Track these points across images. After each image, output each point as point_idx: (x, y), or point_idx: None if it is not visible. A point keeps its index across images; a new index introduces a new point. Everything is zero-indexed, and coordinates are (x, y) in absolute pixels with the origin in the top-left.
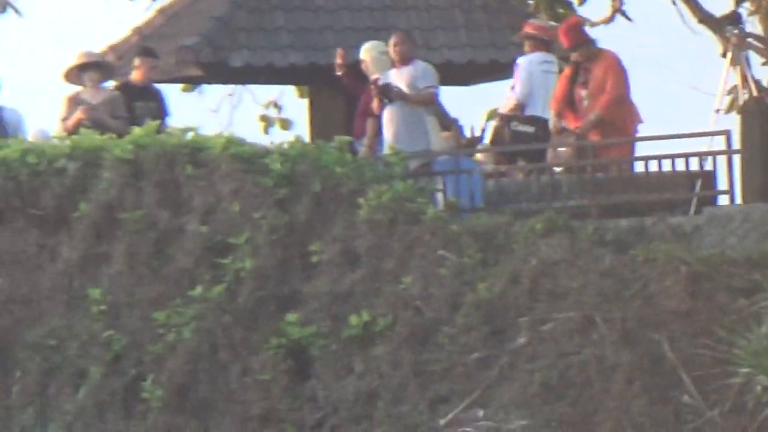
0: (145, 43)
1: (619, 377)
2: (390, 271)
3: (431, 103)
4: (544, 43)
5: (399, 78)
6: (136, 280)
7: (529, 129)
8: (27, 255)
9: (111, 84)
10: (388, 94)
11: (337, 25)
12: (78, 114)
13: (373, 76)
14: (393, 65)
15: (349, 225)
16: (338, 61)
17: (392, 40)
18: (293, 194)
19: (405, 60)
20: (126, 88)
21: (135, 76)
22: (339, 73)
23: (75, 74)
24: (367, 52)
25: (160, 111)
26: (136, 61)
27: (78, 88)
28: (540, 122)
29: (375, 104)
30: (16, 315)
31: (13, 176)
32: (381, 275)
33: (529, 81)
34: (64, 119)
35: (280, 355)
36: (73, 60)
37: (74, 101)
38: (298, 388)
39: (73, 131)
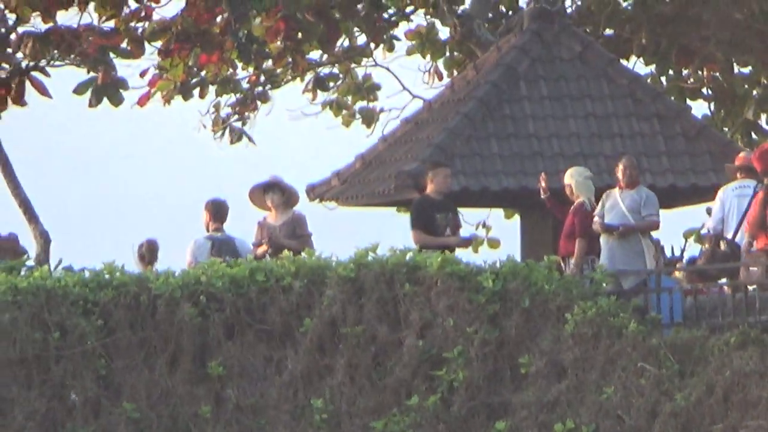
0: (366, 169)
1: None
2: (593, 381)
3: (652, 230)
4: (753, 172)
5: (622, 200)
6: (357, 391)
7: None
8: (255, 367)
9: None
10: (612, 232)
11: (547, 151)
12: (263, 248)
13: (578, 200)
14: (619, 186)
15: (557, 339)
16: (542, 185)
17: (622, 163)
18: (504, 310)
19: (632, 184)
20: (426, 201)
21: (430, 188)
22: (543, 197)
23: (259, 195)
24: (571, 176)
25: (456, 221)
26: (430, 174)
27: (266, 214)
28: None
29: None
30: (243, 424)
31: (243, 293)
32: (585, 386)
33: (721, 210)
34: (255, 245)
35: None
36: (259, 181)
37: (262, 227)
38: None
39: (262, 258)
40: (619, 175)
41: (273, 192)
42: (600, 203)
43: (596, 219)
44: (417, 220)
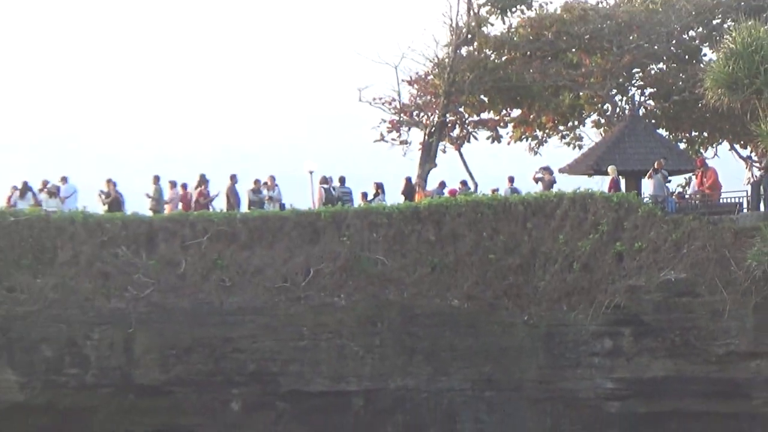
0: (578, 163)
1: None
2: (639, 234)
3: (667, 182)
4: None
5: (656, 172)
6: None
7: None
8: None
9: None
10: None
11: (634, 157)
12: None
13: (612, 175)
14: (655, 168)
15: (635, 217)
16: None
17: (657, 162)
18: (622, 214)
19: (659, 168)
20: (644, 170)
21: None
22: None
23: (541, 172)
24: (611, 168)
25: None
26: (656, 162)
27: (540, 175)
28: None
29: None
30: None
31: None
32: (642, 232)
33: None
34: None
35: None
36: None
37: (540, 176)
38: None
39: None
40: (656, 165)
41: (546, 170)
42: (651, 171)
43: (651, 173)
44: (646, 173)
